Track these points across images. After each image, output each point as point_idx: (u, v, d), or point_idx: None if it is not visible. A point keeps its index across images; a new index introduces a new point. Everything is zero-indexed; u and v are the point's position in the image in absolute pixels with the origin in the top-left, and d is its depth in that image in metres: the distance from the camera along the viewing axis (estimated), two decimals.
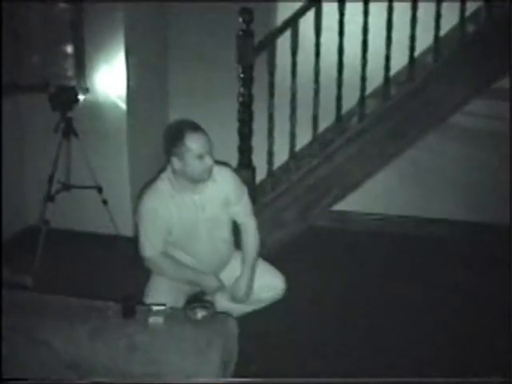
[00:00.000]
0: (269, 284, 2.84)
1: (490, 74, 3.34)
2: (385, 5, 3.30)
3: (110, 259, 3.82)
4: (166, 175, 2.65)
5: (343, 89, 3.42)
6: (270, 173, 3.55)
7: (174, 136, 2.55)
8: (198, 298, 2.73)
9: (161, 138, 3.94)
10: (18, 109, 4.00)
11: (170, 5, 4.26)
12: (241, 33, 3.22)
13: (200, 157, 2.51)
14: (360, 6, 3.30)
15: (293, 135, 3.49)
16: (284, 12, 3.57)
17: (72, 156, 3.81)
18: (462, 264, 3.83)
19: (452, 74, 3.34)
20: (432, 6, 3.29)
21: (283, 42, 3.33)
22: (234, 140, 3.40)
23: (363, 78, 3.39)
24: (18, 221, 4.12)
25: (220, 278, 2.79)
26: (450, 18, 3.33)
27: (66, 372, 2.16)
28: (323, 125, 3.54)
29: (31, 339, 2.21)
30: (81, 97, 3.77)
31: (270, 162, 3.52)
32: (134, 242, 3.03)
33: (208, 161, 2.53)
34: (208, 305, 2.34)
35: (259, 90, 3.34)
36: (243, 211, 2.83)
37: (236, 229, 2.89)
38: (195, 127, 2.56)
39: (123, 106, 3.91)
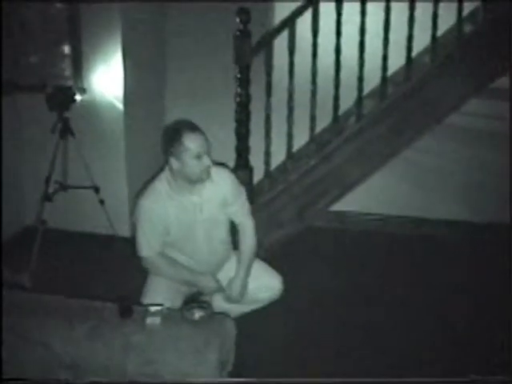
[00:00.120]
0: (266, 284, 2.84)
1: (488, 74, 3.35)
2: (382, 5, 3.30)
3: (107, 259, 3.82)
4: (164, 175, 2.65)
5: (340, 89, 3.42)
6: (268, 173, 3.55)
7: (172, 136, 2.55)
8: (195, 299, 2.73)
9: (158, 139, 3.92)
10: (16, 109, 3.99)
11: (167, 5, 4.26)
12: (238, 33, 3.22)
13: (198, 157, 2.51)
14: (357, 6, 3.30)
15: (290, 135, 3.49)
16: (281, 12, 3.57)
17: (69, 156, 3.80)
18: (462, 264, 3.83)
19: (449, 75, 3.35)
20: (429, 6, 3.29)
21: (280, 43, 3.33)
22: (231, 140, 3.40)
23: (360, 79, 3.39)
24: (17, 221, 4.12)
25: (217, 278, 2.79)
26: (448, 18, 3.33)
27: (64, 372, 2.16)
28: (320, 125, 3.54)
29: (29, 339, 2.21)
30: (78, 97, 3.77)
31: (267, 162, 3.52)
32: (131, 242, 3.02)
33: (206, 161, 2.53)
34: (205, 305, 2.35)
35: (256, 91, 3.34)
36: (241, 212, 2.83)
37: (233, 229, 2.88)
38: (193, 127, 2.56)
39: (120, 106, 3.91)
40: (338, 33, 3.34)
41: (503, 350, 2.72)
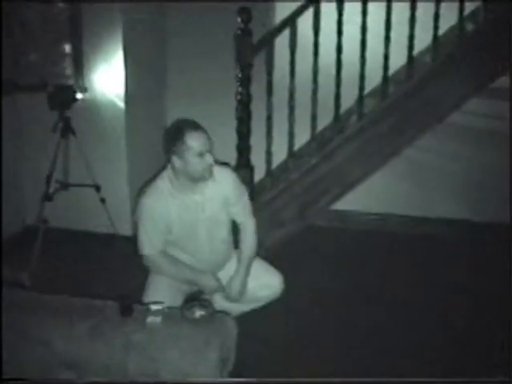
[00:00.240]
0: (266, 283, 2.84)
1: (489, 73, 3.34)
2: (383, 4, 3.29)
3: (109, 258, 3.82)
4: (166, 174, 2.64)
5: (342, 88, 3.42)
6: (269, 172, 3.55)
7: (175, 135, 2.54)
8: (196, 297, 2.73)
9: (159, 137, 3.93)
10: (17, 108, 3.99)
11: (167, 5, 4.26)
12: (239, 32, 3.22)
13: (200, 155, 2.51)
14: (358, 5, 3.29)
15: (291, 134, 3.49)
16: (282, 12, 3.57)
17: (70, 155, 3.81)
18: (462, 263, 3.83)
19: (450, 74, 3.34)
20: (431, 6, 3.29)
21: (282, 41, 3.33)
22: (232, 139, 3.40)
23: (362, 77, 3.39)
24: (17, 220, 4.12)
25: (218, 277, 2.79)
26: (449, 17, 3.33)
27: (64, 371, 2.16)
28: (322, 124, 3.54)
29: (30, 338, 2.20)
30: (79, 96, 3.77)
31: (268, 161, 3.52)
32: (132, 240, 3.03)
33: (208, 159, 2.53)
34: (206, 304, 2.34)
35: (257, 90, 3.34)
36: (243, 212, 2.83)
37: (235, 229, 2.88)
38: (195, 126, 2.56)
39: (121, 105, 3.92)
40: (340, 32, 3.33)
41: (503, 349, 2.71)
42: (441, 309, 3.27)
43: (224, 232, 2.80)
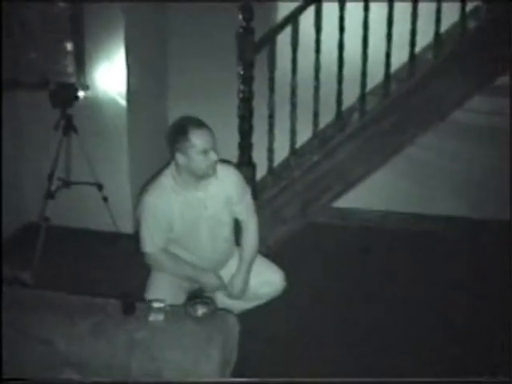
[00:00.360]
0: (268, 280, 2.84)
1: (491, 70, 3.34)
2: (385, 1, 3.28)
3: (111, 256, 3.82)
4: (170, 171, 2.64)
5: (343, 85, 3.41)
6: (271, 169, 3.55)
7: (179, 132, 2.55)
8: (198, 295, 2.73)
9: (161, 135, 3.93)
10: (18, 106, 3.99)
11: (168, 5, 4.25)
12: (241, 30, 3.21)
13: (204, 152, 2.51)
14: (360, 2, 3.29)
15: (293, 132, 3.48)
16: (284, 12, 3.55)
17: (72, 153, 3.80)
18: (462, 260, 3.83)
19: (453, 71, 3.34)
20: (432, 3, 3.28)
21: (283, 39, 3.32)
22: (233, 138, 3.40)
23: (363, 75, 3.38)
24: (19, 218, 4.12)
25: (220, 275, 2.79)
26: (451, 14, 3.32)
27: (67, 369, 2.16)
28: (323, 121, 3.54)
29: (31, 336, 2.21)
30: (81, 94, 3.77)
31: (270, 158, 3.51)
32: (134, 239, 3.03)
33: (212, 156, 2.53)
34: (208, 301, 2.34)
35: (259, 87, 3.34)
36: (245, 210, 2.82)
37: (237, 227, 2.88)
38: (199, 123, 2.56)
39: (123, 102, 3.91)
40: (341, 29, 3.33)
41: (503, 347, 2.71)
42: (441, 306, 3.27)
43: (226, 231, 2.80)
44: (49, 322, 2.26)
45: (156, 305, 2.29)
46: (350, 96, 3.48)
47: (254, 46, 3.24)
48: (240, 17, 3.18)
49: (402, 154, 3.63)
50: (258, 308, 2.92)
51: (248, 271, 2.80)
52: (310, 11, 3.28)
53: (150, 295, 2.62)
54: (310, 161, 3.44)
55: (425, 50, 3.51)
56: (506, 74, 3.39)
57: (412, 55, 3.37)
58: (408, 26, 3.30)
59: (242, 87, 3.29)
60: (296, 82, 3.39)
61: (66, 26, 3.84)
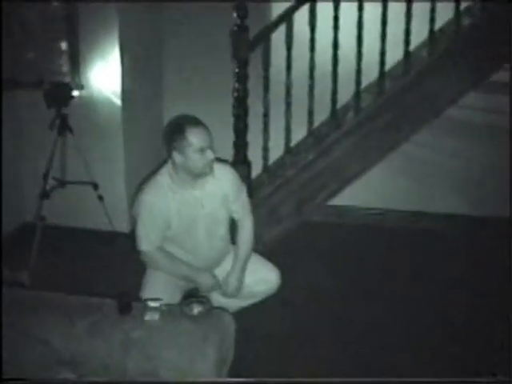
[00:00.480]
0: (263, 278, 2.85)
1: (486, 67, 3.34)
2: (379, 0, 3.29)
3: (107, 255, 3.82)
4: (166, 169, 2.65)
5: (338, 83, 3.41)
6: (266, 168, 3.55)
7: (175, 130, 2.55)
8: (194, 294, 2.74)
9: (156, 134, 3.94)
10: (17, 106, 3.99)
11: (164, 4, 4.24)
12: (235, 28, 3.21)
13: (201, 151, 2.51)
14: (355, 0, 3.29)
15: (288, 130, 3.49)
16: (278, 9, 3.56)
17: (67, 152, 3.80)
18: (462, 258, 3.83)
19: (447, 69, 3.34)
20: (426, 2, 3.28)
21: (278, 37, 3.32)
22: (228, 136, 3.40)
23: (358, 73, 3.38)
24: (16, 218, 4.12)
25: (215, 274, 2.79)
26: (445, 11, 3.33)
27: (64, 368, 2.16)
28: (318, 119, 3.54)
29: (29, 336, 2.21)
30: (75, 93, 3.76)
31: (265, 157, 3.52)
32: (130, 238, 3.03)
33: (209, 155, 2.53)
34: (204, 300, 2.35)
35: (254, 85, 3.34)
36: (241, 209, 2.83)
37: (232, 226, 2.89)
38: (196, 121, 2.57)
39: (118, 102, 3.91)
40: (336, 27, 3.33)
41: (503, 345, 2.70)
42: (440, 304, 3.27)
43: (222, 229, 2.81)
44: (48, 323, 2.26)
45: (152, 304, 2.29)
46: (345, 94, 3.49)
47: (248, 44, 3.24)
48: (234, 14, 3.18)
49: (402, 152, 3.65)
50: (254, 306, 2.92)
51: (243, 269, 2.80)
52: (305, 9, 3.28)
53: (145, 294, 2.62)
54: (305, 159, 3.44)
55: (419, 47, 3.51)
56: (501, 69, 3.39)
57: (406, 53, 3.38)
58: (402, 24, 3.30)
59: (236, 85, 3.29)
60: (291, 81, 3.40)
61: (61, 26, 3.84)
